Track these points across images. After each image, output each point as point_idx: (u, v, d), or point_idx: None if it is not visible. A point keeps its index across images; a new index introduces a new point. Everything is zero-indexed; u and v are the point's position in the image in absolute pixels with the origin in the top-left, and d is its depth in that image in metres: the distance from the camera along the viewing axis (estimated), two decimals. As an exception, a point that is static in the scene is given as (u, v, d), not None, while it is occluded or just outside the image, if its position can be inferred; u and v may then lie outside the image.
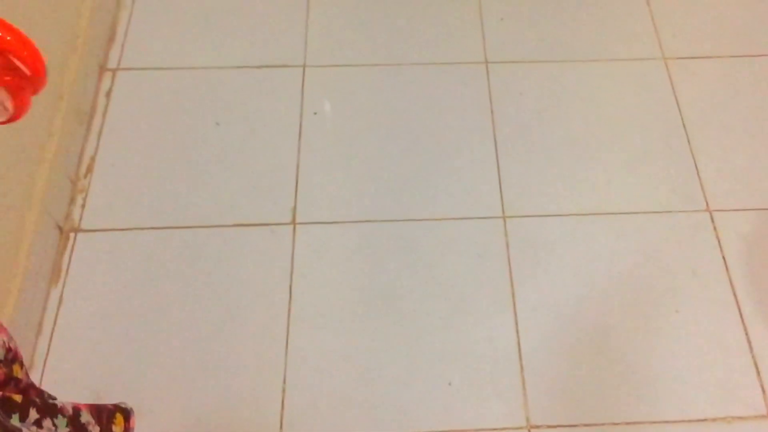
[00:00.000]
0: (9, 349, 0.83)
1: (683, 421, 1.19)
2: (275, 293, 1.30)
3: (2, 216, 1.17)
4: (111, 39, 1.59)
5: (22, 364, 0.87)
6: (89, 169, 1.42)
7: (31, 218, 1.25)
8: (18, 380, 0.86)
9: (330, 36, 1.62)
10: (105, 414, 1.01)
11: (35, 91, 0.72)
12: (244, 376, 1.22)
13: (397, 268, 1.33)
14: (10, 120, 0.72)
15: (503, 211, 1.39)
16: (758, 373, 1.24)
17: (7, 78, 0.68)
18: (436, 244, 1.35)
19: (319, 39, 1.61)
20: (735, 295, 1.31)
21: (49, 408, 0.86)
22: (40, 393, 0.89)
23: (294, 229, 1.36)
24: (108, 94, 1.52)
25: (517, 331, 1.27)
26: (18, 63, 0.68)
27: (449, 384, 1.22)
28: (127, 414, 1.07)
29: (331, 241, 1.35)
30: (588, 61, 1.59)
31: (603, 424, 1.19)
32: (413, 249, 1.35)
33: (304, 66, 1.57)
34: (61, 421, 0.87)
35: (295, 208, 1.39)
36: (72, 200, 1.38)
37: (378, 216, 1.38)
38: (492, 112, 1.51)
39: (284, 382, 1.22)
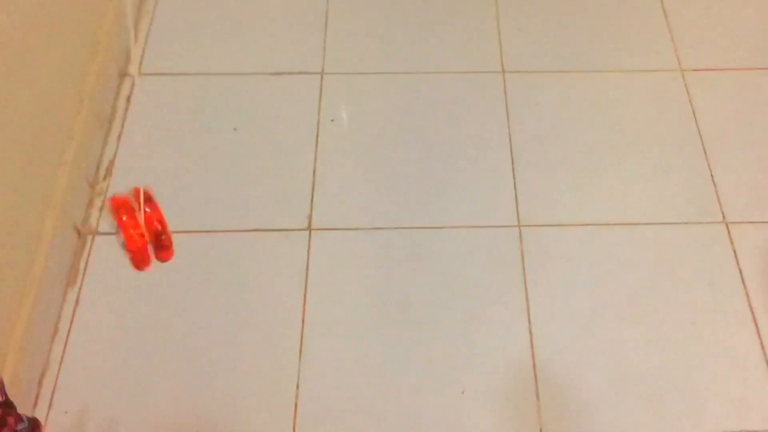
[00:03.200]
0: None
1: (698, 434, 1.19)
2: (290, 299, 1.30)
3: (21, 217, 1.18)
4: (132, 45, 1.60)
5: None
6: (108, 173, 1.43)
7: (50, 220, 1.26)
8: None
9: (348, 44, 1.63)
10: None
11: None
12: (257, 382, 1.22)
13: (411, 276, 1.33)
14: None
15: (518, 220, 1.39)
16: (774, 386, 1.23)
17: None
18: (451, 252, 1.35)
19: (337, 47, 1.62)
20: (751, 307, 1.30)
21: None
22: (19, 419, 0.88)
23: (309, 235, 1.37)
24: (128, 98, 1.53)
25: (532, 341, 1.26)
26: None
27: (462, 393, 1.22)
28: None
29: (347, 248, 1.36)
30: (605, 71, 1.60)
31: (616, 436, 1.19)
32: (428, 257, 1.35)
33: (322, 73, 1.58)
34: None
35: (310, 214, 1.39)
36: (90, 203, 1.39)
37: (393, 223, 1.38)
38: (508, 121, 1.52)
39: (297, 388, 1.22)
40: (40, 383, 1.21)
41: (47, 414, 1.18)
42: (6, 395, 0.88)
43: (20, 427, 0.87)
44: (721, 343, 1.27)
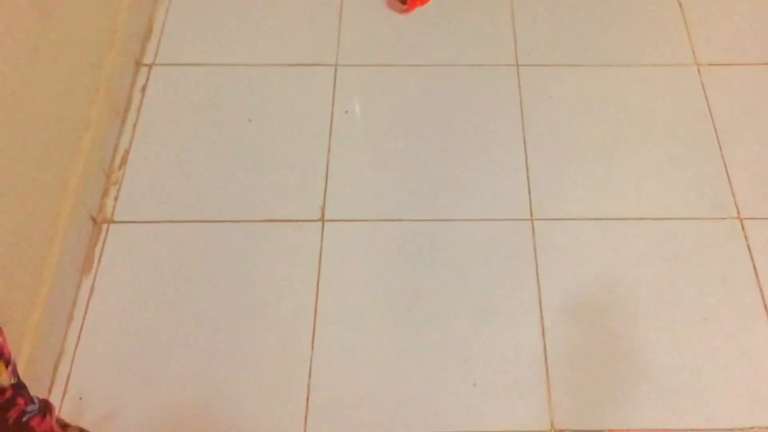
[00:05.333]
0: None
1: (709, 429, 1.19)
2: (302, 289, 1.31)
3: (38, 206, 1.19)
4: (147, 34, 1.61)
5: (7, 363, 0.86)
6: (123, 162, 1.44)
7: (66, 208, 1.27)
8: (2, 390, 0.85)
9: (362, 36, 1.63)
10: None
11: None
12: (269, 372, 1.23)
13: (424, 268, 1.33)
14: None
15: (531, 214, 1.39)
16: (787, 383, 1.23)
17: None
18: (463, 244, 1.35)
19: (351, 38, 1.62)
20: (765, 303, 1.30)
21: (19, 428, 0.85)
22: (29, 400, 0.89)
23: (322, 226, 1.37)
24: (143, 88, 1.54)
25: (543, 334, 1.26)
26: None
27: (474, 385, 1.22)
28: None
29: (359, 239, 1.36)
30: (620, 65, 1.59)
31: (627, 430, 1.18)
32: (440, 249, 1.35)
33: (336, 65, 1.58)
34: None
35: (324, 205, 1.40)
36: (105, 192, 1.40)
37: (406, 215, 1.39)
38: (522, 114, 1.51)
39: (309, 378, 1.22)
40: (55, 369, 1.22)
41: (62, 399, 1.20)
42: (18, 377, 0.89)
43: (30, 408, 0.88)
44: (734, 339, 1.26)
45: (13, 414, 0.86)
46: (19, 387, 0.89)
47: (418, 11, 1.66)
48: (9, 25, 1.10)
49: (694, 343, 1.26)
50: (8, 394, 0.86)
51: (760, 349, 1.26)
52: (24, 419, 0.87)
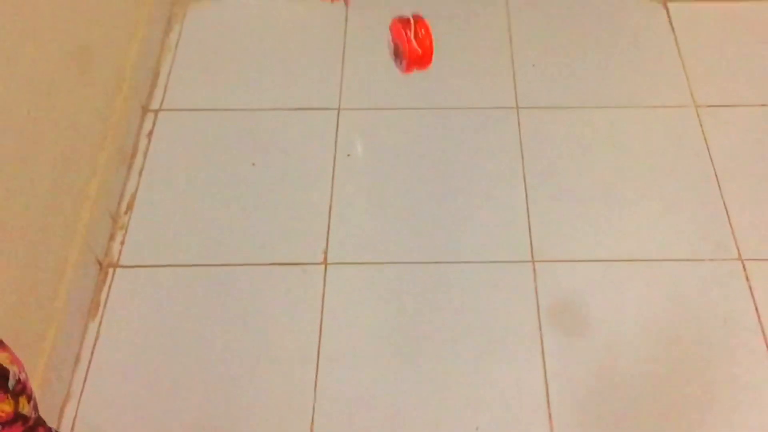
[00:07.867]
0: (18, 381, 0.85)
1: (713, 473, 1.18)
2: (306, 332, 1.31)
3: (45, 249, 1.21)
4: (154, 81, 1.64)
5: (30, 398, 0.87)
6: (129, 207, 1.47)
7: (73, 253, 1.29)
8: (26, 418, 0.86)
9: (364, 80, 1.66)
10: None
11: None
12: (273, 414, 1.23)
13: (426, 311, 1.34)
14: None
15: (532, 256, 1.40)
16: (792, 426, 1.22)
17: None
18: (465, 287, 1.36)
19: (353, 83, 1.65)
20: (767, 344, 1.29)
21: None
22: (48, 431, 0.90)
23: (325, 269, 1.39)
24: (150, 134, 1.57)
25: (546, 377, 1.27)
26: None
27: (476, 429, 1.22)
28: None
29: (362, 282, 1.37)
30: (619, 107, 1.61)
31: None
32: (443, 291, 1.36)
33: (338, 109, 1.61)
34: None
35: (326, 248, 1.41)
36: (112, 236, 1.42)
37: (408, 258, 1.40)
38: (522, 156, 1.53)
39: (312, 421, 1.23)
40: (61, 412, 1.23)
41: (67, 445, 1.20)
42: (38, 412, 0.91)
43: None
44: (738, 379, 1.26)
45: None
46: (39, 420, 0.91)
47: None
48: (21, 75, 1.14)
49: (698, 386, 1.26)
50: (31, 422, 0.87)
51: (764, 389, 1.25)
52: None
